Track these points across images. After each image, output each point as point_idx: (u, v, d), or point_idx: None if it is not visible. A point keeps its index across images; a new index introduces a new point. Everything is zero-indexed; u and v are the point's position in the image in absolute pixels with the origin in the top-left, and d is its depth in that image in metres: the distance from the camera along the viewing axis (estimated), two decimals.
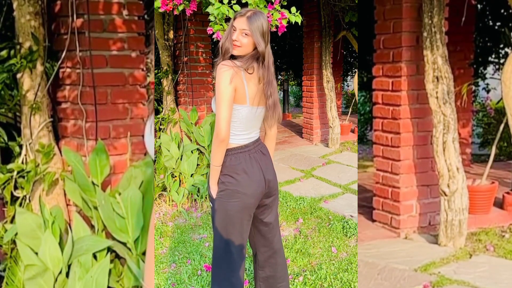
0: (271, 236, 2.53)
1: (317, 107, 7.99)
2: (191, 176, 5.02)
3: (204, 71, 5.95)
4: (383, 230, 3.93)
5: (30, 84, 3.06)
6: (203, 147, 5.20)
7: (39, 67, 3.09)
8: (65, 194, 3.23)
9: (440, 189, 3.58)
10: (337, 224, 4.28)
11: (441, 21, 3.52)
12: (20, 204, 3.08)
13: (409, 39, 3.73)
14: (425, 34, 3.54)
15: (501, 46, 5.81)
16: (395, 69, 3.79)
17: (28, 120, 3.08)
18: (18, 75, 3.05)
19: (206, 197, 4.99)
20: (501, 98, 3.65)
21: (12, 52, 3.05)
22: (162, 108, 5.66)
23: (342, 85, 11.30)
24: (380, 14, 3.89)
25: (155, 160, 5.15)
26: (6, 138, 3.15)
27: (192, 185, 4.95)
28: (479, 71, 5.98)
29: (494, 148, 4.04)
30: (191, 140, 5.34)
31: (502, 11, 5.64)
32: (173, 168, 4.95)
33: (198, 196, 5.01)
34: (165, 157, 4.94)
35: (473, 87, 5.49)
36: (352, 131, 8.69)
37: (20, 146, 3.12)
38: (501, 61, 5.88)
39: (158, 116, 5.48)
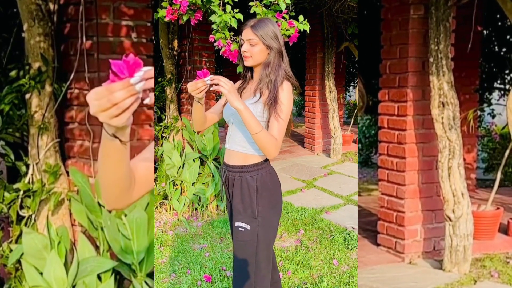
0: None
1: (319, 117, 8.02)
2: (192, 184, 4.99)
3: None
4: (388, 255, 3.91)
5: (38, 104, 3.08)
6: (205, 155, 5.18)
7: (48, 88, 3.11)
8: (70, 214, 3.24)
9: (445, 214, 3.57)
10: (338, 236, 4.26)
11: (447, 47, 3.54)
12: (26, 224, 3.08)
13: (415, 65, 3.75)
14: (431, 60, 3.56)
15: (507, 72, 5.83)
16: (401, 94, 3.80)
17: (36, 140, 3.10)
18: (27, 96, 3.08)
19: (206, 206, 4.97)
20: (507, 124, 3.66)
21: (21, 72, 3.08)
22: (165, 116, 5.65)
23: (344, 95, 11.33)
24: (386, 40, 3.91)
25: (156, 168, 5.16)
26: (13, 158, 3.16)
27: (193, 194, 4.93)
28: (485, 97, 6.00)
29: (499, 173, 4.03)
30: (193, 149, 5.32)
31: (508, 37, 5.67)
32: (175, 177, 4.93)
33: (199, 205, 4.99)
34: (167, 165, 4.93)
35: (479, 112, 5.50)
36: (354, 141, 8.62)
37: (27, 166, 3.13)
38: (507, 86, 5.90)
39: (161, 124, 5.48)
